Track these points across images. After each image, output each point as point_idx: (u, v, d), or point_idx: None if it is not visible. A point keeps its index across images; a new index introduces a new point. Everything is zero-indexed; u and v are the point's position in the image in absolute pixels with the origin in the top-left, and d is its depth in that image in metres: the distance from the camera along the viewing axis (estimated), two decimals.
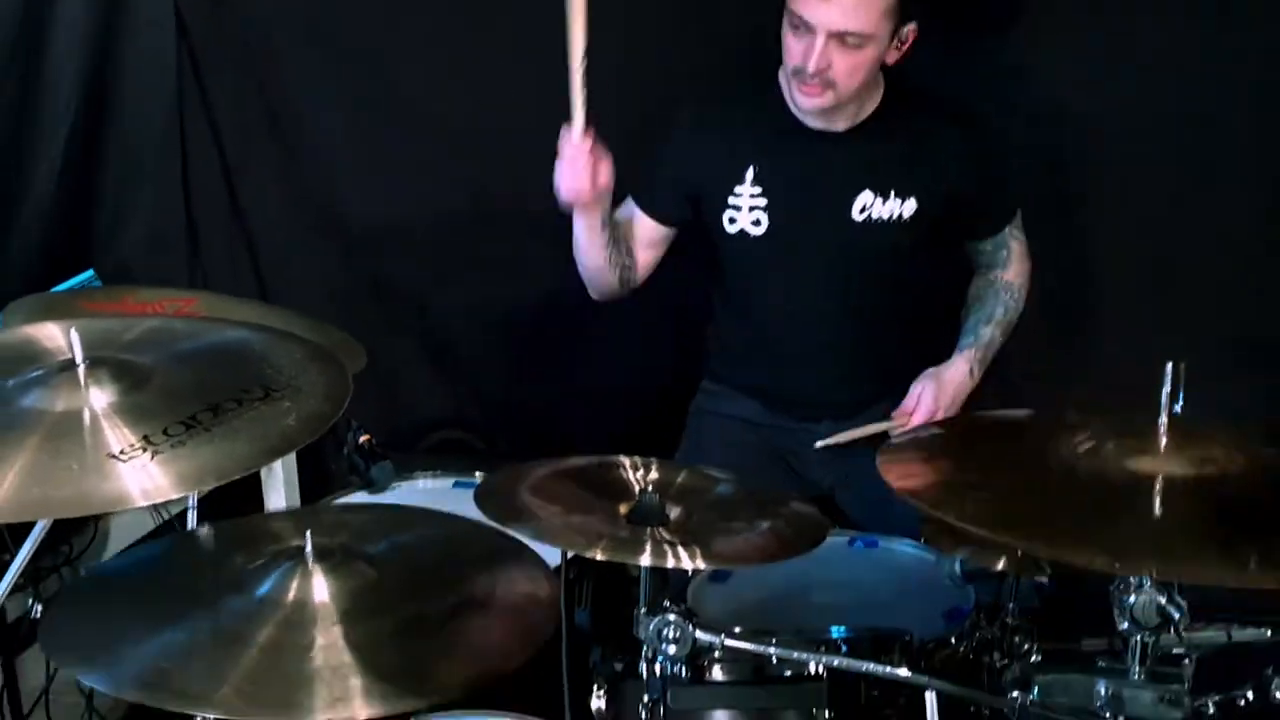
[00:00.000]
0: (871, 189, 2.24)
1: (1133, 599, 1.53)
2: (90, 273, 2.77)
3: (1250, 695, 1.61)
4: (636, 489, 1.71)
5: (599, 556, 1.58)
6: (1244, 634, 1.66)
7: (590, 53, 2.00)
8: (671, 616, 1.60)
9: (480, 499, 1.65)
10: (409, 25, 2.77)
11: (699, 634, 1.60)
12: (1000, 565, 1.81)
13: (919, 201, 2.25)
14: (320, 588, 1.60)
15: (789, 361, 2.36)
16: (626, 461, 1.78)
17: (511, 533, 1.60)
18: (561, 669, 1.69)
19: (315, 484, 2.89)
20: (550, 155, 2.55)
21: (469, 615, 1.69)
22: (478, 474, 2.34)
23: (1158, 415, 1.52)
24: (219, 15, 2.82)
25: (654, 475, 1.73)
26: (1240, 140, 2.55)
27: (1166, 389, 1.52)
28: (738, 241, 2.30)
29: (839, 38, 2.09)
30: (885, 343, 2.37)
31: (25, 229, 2.76)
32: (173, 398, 1.61)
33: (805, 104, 2.18)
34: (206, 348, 1.78)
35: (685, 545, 1.59)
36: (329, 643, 1.54)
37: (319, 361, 1.74)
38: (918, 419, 2.24)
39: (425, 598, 1.68)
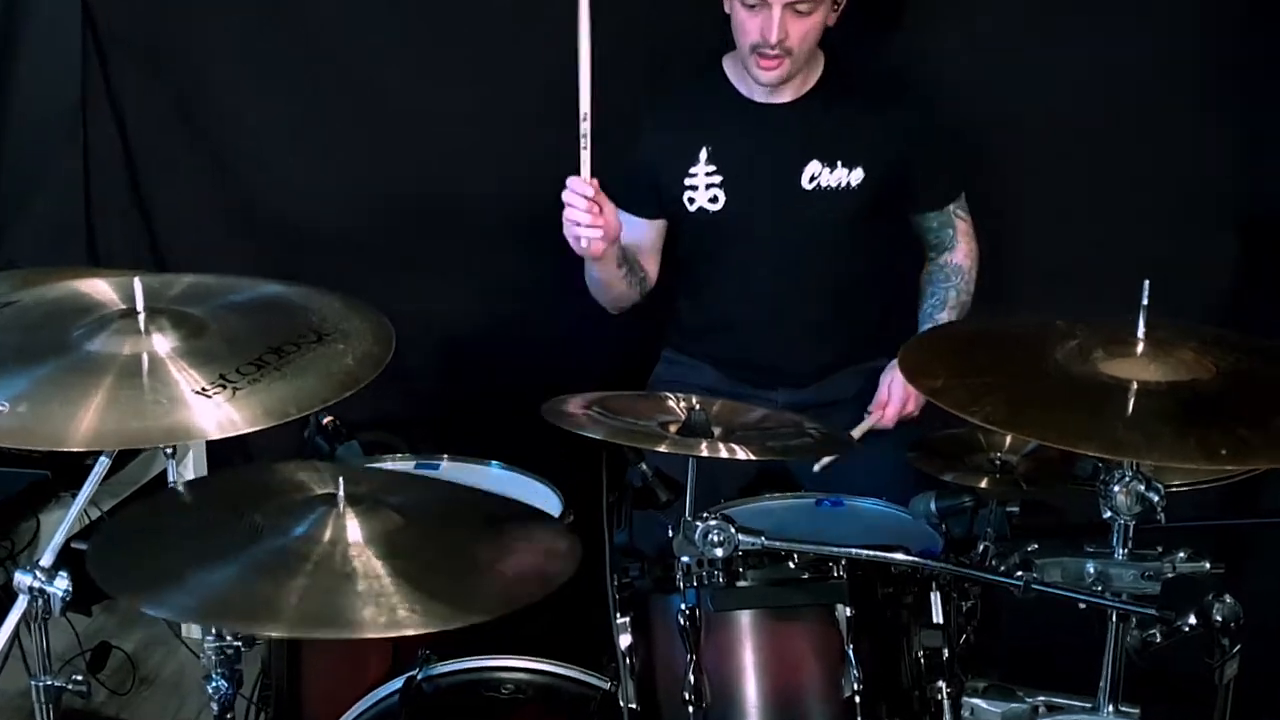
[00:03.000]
0: (819, 159, 2.69)
1: (1117, 488, 1.94)
2: None
3: (1193, 620, 1.96)
4: (681, 412, 2.10)
5: (663, 449, 1.96)
6: (1186, 566, 2.01)
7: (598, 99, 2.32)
8: (714, 521, 1.95)
9: (550, 416, 2.02)
10: (328, 9, 3.08)
11: (741, 536, 1.95)
12: (970, 500, 2.19)
13: (866, 170, 2.69)
14: (354, 529, 1.93)
15: (747, 330, 2.80)
16: (668, 395, 2.17)
17: (585, 434, 1.97)
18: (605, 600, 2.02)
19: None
20: (490, 146, 2.93)
21: (493, 556, 2.02)
22: (445, 457, 2.70)
23: (1134, 325, 1.96)
24: (128, 3, 3.11)
25: (694, 404, 2.10)
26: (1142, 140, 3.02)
27: (1144, 300, 1.96)
28: (698, 219, 2.75)
29: (791, 7, 2.58)
30: (839, 312, 2.79)
31: None
32: (234, 343, 1.96)
33: (765, 77, 2.64)
34: (250, 301, 2.12)
35: (738, 444, 2.00)
36: (370, 572, 1.87)
37: (358, 311, 2.10)
38: (892, 409, 2.68)
39: (450, 541, 2.02)
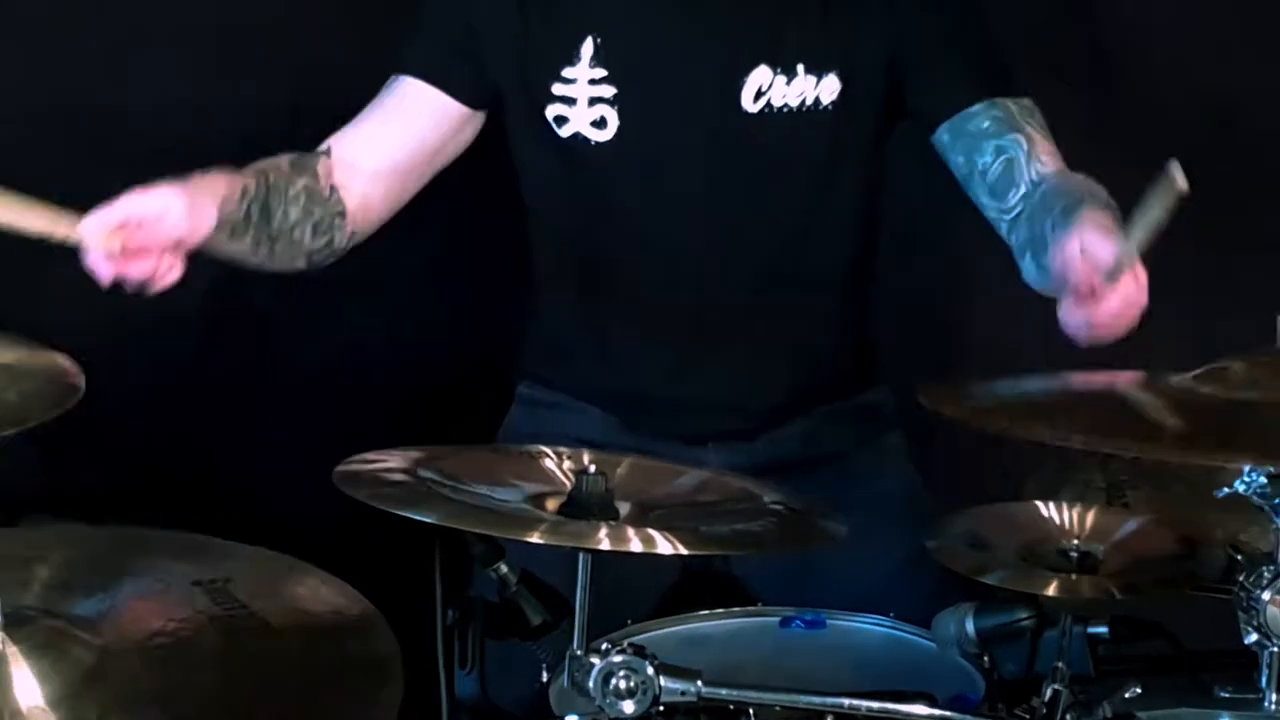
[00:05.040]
0: (769, 63, 2.45)
1: (1267, 595, 1.84)
2: None
3: None
4: (567, 479, 1.98)
5: (536, 539, 1.82)
6: None
7: None
8: (620, 656, 1.81)
9: (347, 485, 1.89)
10: None
11: (664, 680, 1.82)
12: (1030, 616, 2.08)
13: (844, 77, 2.45)
14: (27, 684, 1.70)
15: (661, 348, 2.57)
16: (543, 449, 2.07)
17: (407, 514, 1.83)
18: None
19: None
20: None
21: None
22: None
23: None
24: None
25: (586, 463, 1.96)
26: None
27: None
28: (572, 152, 2.48)
29: None
30: (805, 313, 2.59)
31: None
32: None
33: None
34: None
35: (659, 530, 1.86)
36: None
37: None
38: (1118, 296, 2.09)
39: (188, 685, 1.78)
